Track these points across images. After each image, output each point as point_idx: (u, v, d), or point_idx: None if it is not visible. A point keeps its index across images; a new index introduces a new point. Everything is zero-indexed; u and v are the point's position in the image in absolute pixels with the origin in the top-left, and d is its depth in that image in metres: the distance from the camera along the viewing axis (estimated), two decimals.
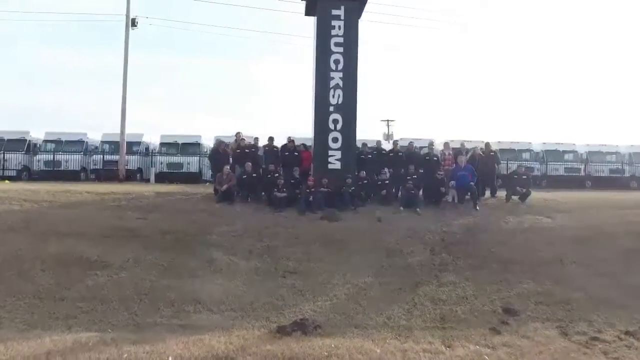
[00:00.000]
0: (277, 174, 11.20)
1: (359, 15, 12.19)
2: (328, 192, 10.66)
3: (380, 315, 6.14)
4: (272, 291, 6.77)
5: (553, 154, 24.51)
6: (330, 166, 11.24)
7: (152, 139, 23.83)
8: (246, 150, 11.62)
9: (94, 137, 23.43)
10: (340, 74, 11.37)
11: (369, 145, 12.38)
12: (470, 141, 24.69)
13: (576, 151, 24.96)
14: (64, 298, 6.03)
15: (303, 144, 12.25)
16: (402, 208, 10.53)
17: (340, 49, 11.40)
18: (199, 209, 9.92)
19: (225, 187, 10.57)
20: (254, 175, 11.00)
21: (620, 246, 8.61)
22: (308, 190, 10.56)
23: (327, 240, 8.75)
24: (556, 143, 25.86)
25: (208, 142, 24.03)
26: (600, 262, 8.06)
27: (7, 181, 15.30)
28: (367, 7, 12.44)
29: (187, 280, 6.86)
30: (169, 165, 21.40)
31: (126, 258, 7.33)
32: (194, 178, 21.17)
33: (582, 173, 23.73)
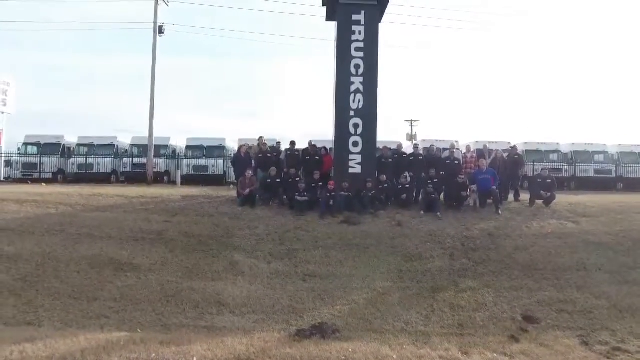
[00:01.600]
0: (298, 178, 11.41)
1: (380, 19, 12.26)
2: (348, 195, 10.78)
3: (398, 320, 6.23)
4: (292, 294, 6.96)
5: (582, 155, 23.80)
6: (350, 170, 11.36)
7: (179, 142, 24.53)
8: (268, 155, 11.87)
9: (124, 140, 24.35)
10: (361, 79, 11.47)
11: (389, 148, 12.40)
12: (496, 142, 24.43)
13: (607, 152, 24.18)
14: (97, 298, 6.38)
15: (324, 147, 12.40)
16: (422, 212, 10.54)
17: (361, 54, 11.50)
18: (222, 212, 10.21)
19: (247, 191, 10.84)
20: (277, 180, 11.24)
21: None
22: (328, 194, 10.72)
23: (347, 244, 8.88)
24: (586, 144, 25.09)
25: (232, 144, 24.58)
26: (625, 269, 7.90)
27: (43, 184, 16.08)
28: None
29: (211, 282, 7.13)
30: (195, 168, 21.99)
31: (154, 260, 7.68)
32: (219, 180, 21.72)
33: (613, 175, 22.99)
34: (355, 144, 11.41)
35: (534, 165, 22.90)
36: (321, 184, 11.35)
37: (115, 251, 7.80)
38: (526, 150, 23.92)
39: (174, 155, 23.41)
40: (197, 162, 22.06)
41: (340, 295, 6.94)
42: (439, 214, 10.41)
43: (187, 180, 21.51)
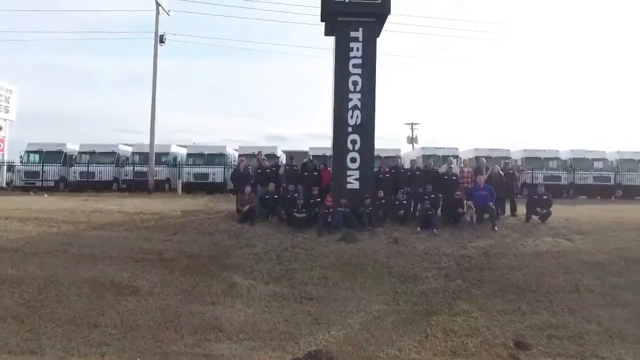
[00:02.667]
0: (296, 194, 11.55)
1: (378, 34, 12.39)
2: (346, 212, 10.91)
3: (392, 346, 6.36)
4: (288, 318, 7.09)
5: (581, 162, 23.88)
6: (348, 186, 11.51)
7: (180, 150, 24.73)
8: (267, 170, 12.02)
9: (127, 139, 24.59)
10: (359, 95, 11.61)
11: (388, 161, 12.52)
12: (495, 149, 24.57)
13: (606, 159, 24.25)
14: (98, 325, 6.53)
15: (323, 163, 12.54)
16: (419, 229, 10.68)
17: (359, 70, 11.64)
18: (222, 229, 10.36)
19: (247, 207, 11.00)
20: (275, 196, 11.39)
21: (639, 273, 8.52)
22: (327, 211, 10.86)
23: (343, 263, 9.01)
24: (585, 151, 25.17)
25: (233, 152, 24.76)
26: (617, 291, 8.00)
27: (45, 195, 16.26)
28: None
29: (209, 306, 7.27)
30: (196, 175, 22.18)
31: (153, 282, 7.83)
32: (220, 188, 21.92)
33: (612, 182, 23.05)
34: (353, 160, 11.55)
35: (533, 172, 23.09)
36: (319, 199, 11.49)
37: (116, 273, 7.95)
38: (525, 158, 24.06)
39: (174, 163, 23.59)
40: (198, 170, 22.24)
41: (335, 319, 7.08)
42: (435, 230, 10.54)
43: (188, 187, 21.73)
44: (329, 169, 12.25)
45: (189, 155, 23.24)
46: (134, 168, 22.24)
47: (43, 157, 22.79)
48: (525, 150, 24.63)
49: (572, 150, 25.34)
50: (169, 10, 21.58)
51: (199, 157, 23.06)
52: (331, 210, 10.90)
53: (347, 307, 7.46)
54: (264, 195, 11.42)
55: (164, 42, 21.29)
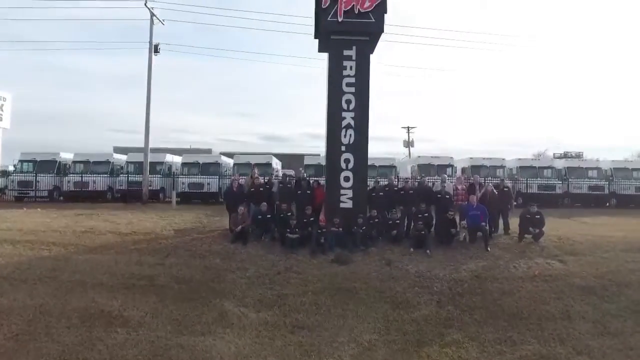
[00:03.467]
0: (290, 213, 11.53)
1: (372, 51, 12.37)
2: (339, 232, 10.90)
3: None
4: (279, 350, 7.06)
5: (576, 171, 23.99)
6: (342, 205, 11.49)
7: (175, 158, 24.66)
8: (260, 189, 11.98)
9: (120, 157, 24.46)
10: (352, 114, 11.59)
11: (378, 182, 12.51)
12: (491, 158, 24.62)
13: (600, 168, 24.39)
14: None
15: (317, 180, 12.51)
16: (412, 249, 10.68)
17: (352, 89, 11.62)
18: (214, 251, 10.33)
19: (239, 228, 10.96)
20: (268, 215, 11.35)
21: (630, 299, 8.54)
22: (320, 231, 10.85)
23: (336, 288, 9.00)
24: (579, 159, 25.34)
25: (227, 160, 24.70)
26: (608, 318, 8.02)
27: (39, 209, 16.16)
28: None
29: (200, 337, 7.22)
30: (190, 185, 22.13)
31: (144, 312, 7.78)
32: (214, 197, 21.90)
33: (606, 191, 23.15)
34: (347, 179, 11.54)
35: (527, 181, 23.16)
36: (313, 218, 11.47)
37: (106, 302, 7.90)
38: (520, 167, 24.16)
39: (169, 172, 23.53)
40: (193, 179, 22.18)
41: (326, 351, 7.05)
42: (428, 251, 10.54)
43: (183, 197, 21.68)
44: (322, 184, 12.23)
45: (183, 164, 23.19)
46: (128, 178, 22.18)
47: (37, 167, 22.71)
48: (519, 159, 24.74)
49: (567, 160, 25.51)
50: (163, 20, 21.50)
51: (193, 166, 23.02)
52: (324, 230, 10.89)
53: (339, 338, 7.43)
54: (257, 214, 11.38)
55: (158, 52, 21.22)
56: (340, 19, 11.34)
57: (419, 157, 24.40)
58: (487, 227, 11.28)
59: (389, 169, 23.28)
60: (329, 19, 11.39)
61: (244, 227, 11.00)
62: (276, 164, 26.01)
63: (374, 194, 11.89)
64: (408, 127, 52.90)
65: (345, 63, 11.61)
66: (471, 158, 24.53)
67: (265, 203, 11.42)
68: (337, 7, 11.33)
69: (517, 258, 10.33)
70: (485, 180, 21.83)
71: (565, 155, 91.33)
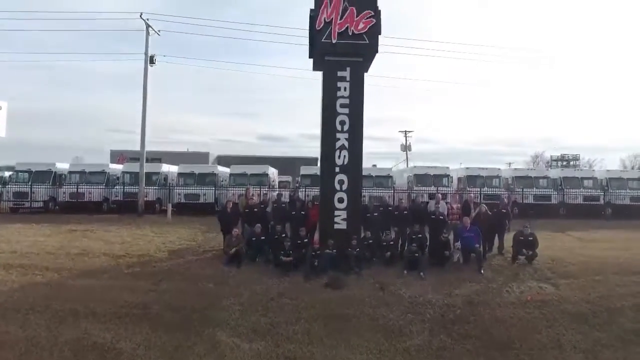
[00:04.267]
0: (284, 234, 11.54)
1: (367, 70, 12.40)
2: (333, 254, 10.92)
3: None
4: None
5: (571, 181, 24.09)
6: (336, 226, 11.50)
7: (171, 168, 24.64)
8: (255, 210, 11.99)
9: (116, 167, 24.43)
10: (346, 135, 11.60)
11: (373, 203, 12.52)
12: (486, 168, 24.70)
13: (595, 177, 24.50)
14: None
15: (311, 201, 12.51)
16: (405, 272, 10.71)
17: (346, 110, 11.63)
18: (208, 275, 10.33)
19: (233, 250, 10.98)
20: (262, 237, 11.37)
21: (622, 326, 8.57)
22: (313, 254, 10.86)
23: (329, 315, 9.00)
24: (575, 169, 25.45)
25: (223, 170, 24.68)
26: (599, 347, 8.04)
27: (33, 224, 16.13)
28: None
29: None
30: (187, 196, 22.13)
31: (136, 343, 7.75)
32: (210, 208, 21.91)
33: (602, 202, 23.26)
34: (341, 200, 11.55)
35: (523, 191, 23.24)
36: (306, 240, 11.49)
37: (99, 333, 7.88)
38: (515, 177, 24.26)
39: (165, 182, 23.52)
40: (189, 190, 22.18)
41: None
42: (422, 274, 10.58)
43: (179, 208, 21.70)
44: (316, 203, 12.24)
45: (179, 174, 23.19)
46: (123, 188, 22.16)
47: (32, 177, 22.66)
48: (515, 169, 24.87)
49: (562, 169, 25.63)
50: (159, 30, 21.46)
51: (189, 176, 23.02)
52: (318, 252, 10.91)
53: None
54: (251, 236, 11.40)
55: (154, 63, 21.19)
56: (334, 41, 11.35)
57: (415, 166, 24.49)
58: (481, 249, 11.33)
59: (385, 179, 23.37)
60: (322, 40, 11.41)
61: (238, 249, 11.01)
62: (272, 173, 26.03)
63: (368, 214, 11.91)
64: (405, 131, 53.09)
65: (339, 84, 11.62)
66: (467, 168, 24.62)
67: (259, 225, 11.43)
68: (331, 29, 11.34)
69: (510, 281, 10.38)
70: (480, 192, 22.01)
71: (562, 158, 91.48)
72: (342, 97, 11.61)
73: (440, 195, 12.72)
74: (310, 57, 12.53)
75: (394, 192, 22.72)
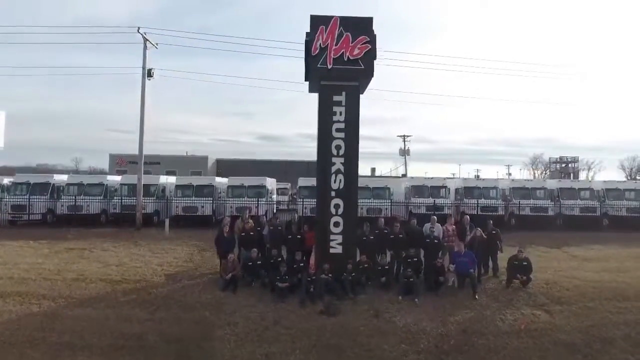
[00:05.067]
0: (279, 259, 11.59)
1: (363, 91, 12.47)
2: (328, 280, 10.96)
3: None
4: None
5: (568, 192, 24.14)
6: (332, 250, 11.57)
7: (169, 179, 24.68)
8: (251, 233, 12.04)
9: (114, 178, 24.47)
10: (342, 160, 11.66)
11: (368, 225, 12.55)
12: (484, 179, 24.77)
13: (592, 188, 24.54)
14: None
15: (307, 224, 12.56)
16: (400, 297, 10.77)
17: (342, 135, 11.69)
18: (204, 302, 10.39)
19: (229, 275, 11.04)
20: (258, 262, 11.43)
21: (614, 357, 8.67)
22: (309, 279, 10.93)
23: (324, 345, 9.07)
24: (571, 180, 25.52)
25: (221, 182, 24.71)
26: None
27: (30, 241, 16.15)
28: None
29: None
30: (185, 209, 22.16)
31: None
32: (208, 220, 21.98)
33: (598, 213, 23.30)
34: (337, 224, 11.62)
35: (519, 204, 23.30)
36: (302, 264, 11.56)
37: None
38: (513, 188, 24.31)
39: (163, 194, 23.56)
40: (187, 203, 22.21)
41: None
42: (416, 300, 10.63)
43: (177, 221, 21.75)
44: (312, 231, 12.27)
45: (177, 186, 23.19)
46: (121, 201, 22.20)
47: (30, 189, 22.67)
48: (513, 180, 24.96)
49: (559, 181, 25.68)
50: (156, 44, 21.48)
51: (187, 188, 23.03)
52: (314, 277, 10.98)
53: None
54: (247, 261, 11.45)
55: (152, 76, 21.21)
56: (329, 66, 11.41)
57: (412, 178, 24.54)
58: (476, 274, 11.40)
59: (383, 190, 23.42)
60: (318, 65, 11.46)
61: (234, 274, 11.07)
62: (270, 183, 26.07)
63: (364, 238, 11.96)
64: (404, 136, 53.15)
65: (335, 109, 11.67)
66: (464, 179, 24.73)
67: (255, 249, 11.49)
68: (327, 55, 11.40)
69: (504, 308, 10.43)
70: (477, 204, 22.07)
71: (560, 160, 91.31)
72: (338, 121, 11.67)
73: (435, 217, 12.77)
74: (306, 80, 12.54)
75: (391, 205, 22.86)
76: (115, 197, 22.82)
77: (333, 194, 11.62)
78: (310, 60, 11.51)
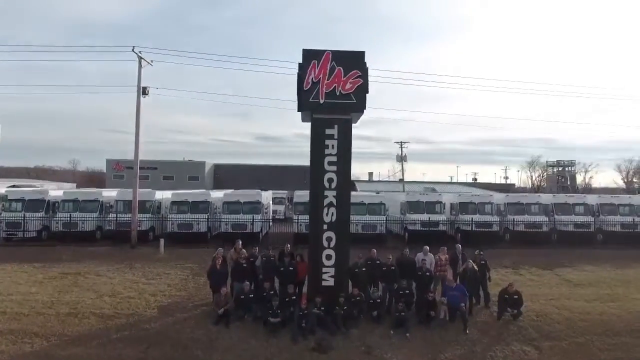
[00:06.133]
0: (272, 291, 11.64)
1: (355, 121, 12.50)
2: (320, 314, 11.02)
3: None
4: None
5: (562, 207, 24.29)
6: (324, 283, 11.63)
7: (165, 195, 24.70)
8: (244, 265, 12.09)
9: (109, 194, 24.47)
10: (334, 192, 11.70)
11: (361, 256, 12.60)
12: (479, 195, 24.87)
13: (586, 203, 24.68)
14: None
15: (300, 255, 12.60)
16: (392, 332, 10.84)
17: (334, 168, 11.73)
18: (197, 337, 10.42)
19: (222, 310, 11.09)
20: (250, 295, 11.48)
21: None
22: (301, 313, 10.98)
23: None
24: (566, 196, 25.62)
25: (217, 196, 24.73)
26: None
27: (25, 265, 16.17)
28: None
29: None
30: (180, 225, 22.21)
31: None
32: (203, 237, 22.06)
33: (592, 229, 23.45)
34: (329, 257, 11.67)
35: (514, 220, 23.42)
36: (295, 297, 11.61)
37: None
38: (507, 203, 24.43)
39: (158, 210, 23.58)
40: (182, 220, 22.25)
41: None
42: (408, 334, 10.71)
43: (172, 237, 21.80)
44: (305, 259, 12.34)
45: (172, 203, 23.23)
46: (117, 218, 22.22)
47: (25, 206, 22.67)
48: (507, 195, 25.04)
49: (554, 196, 25.79)
50: (151, 61, 21.48)
51: (183, 204, 23.07)
52: (306, 312, 11.03)
53: None
54: (240, 294, 11.50)
55: (147, 94, 21.22)
56: (321, 101, 11.46)
57: (407, 193, 24.61)
58: (467, 306, 11.48)
59: (378, 206, 23.49)
60: (310, 99, 11.51)
61: (226, 309, 11.12)
62: (266, 197, 26.14)
63: (356, 270, 12.02)
64: (401, 142, 53.29)
65: (327, 142, 11.71)
66: (459, 195, 24.79)
67: (247, 283, 11.54)
68: (319, 89, 11.45)
69: (494, 343, 10.51)
70: (472, 221, 22.18)
71: (558, 164, 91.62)
72: (330, 154, 11.71)
73: (427, 247, 12.83)
74: (299, 110, 12.59)
75: (386, 222, 22.94)
76: (110, 213, 22.83)
77: (325, 227, 11.67)
78: (303, 94, 11.55)
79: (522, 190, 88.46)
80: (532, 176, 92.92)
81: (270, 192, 31.86)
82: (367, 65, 11.75)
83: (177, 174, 64.38)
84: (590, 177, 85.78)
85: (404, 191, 50.14)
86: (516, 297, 11.52)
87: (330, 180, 11.71)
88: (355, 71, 11.49)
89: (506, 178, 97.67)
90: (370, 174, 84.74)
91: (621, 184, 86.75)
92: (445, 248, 13.16)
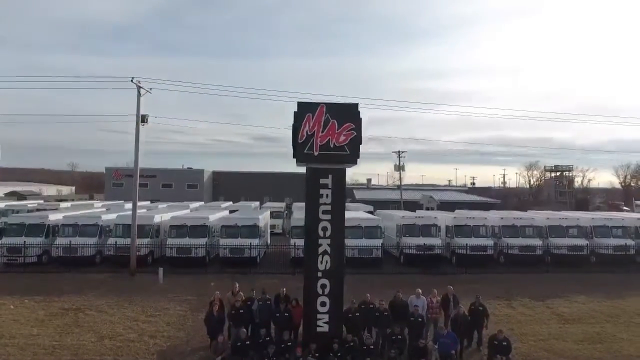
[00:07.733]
0: (268, 338, 11.92)
1: (350, 166, 12.75)
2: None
3: None
4: None
5: (556, 230, 24.61)
6: (318, 329, 11.91)
7: (163, 218, 24.98)
8: (241, 311, 12.37)
9: (108, 217, 24.75)
10: (329, 241, 11.96)
11: (354, 301, 12.87)
12: (474, 217, 25.11)
13: (580, 225, 25.00)
14: None
15: (295, 299, 12.89)
16: None
17: (329, 217, 11.98)
18: None
19: (219, 358, 11.37)
20: (247, 342, 11.76)
21: None
22: None
23: None
24: (560, 218, 25.92)
25: (215, 219, 25.00)
26: None
27: (25, 300, 16.45)
28: None
29: None
30: (179, 250, 22.50)
31: None
32: (201, 262, 22.38)
33: (586, 252, 23.77)
34: (323, 304, 11.95)
35: (508, 244, 23.74)
36: (290, 343, 11.89)
37: None
38: (502, 226, 24.73)
39: (157, 234, 23.87)
40: (180, 244, 22.52)
41: None
42: None
43: (171, 262, 22.11)
44: (300, 306, 12.60)
45: (171, 227, 23.51)
46: (116, 244, 22.51)
47: (26, 230, 22.95)
48: (502, 218, 25.32)
49: (548, 218, 26.09)
50: (150, 89, 21.71)
51: (181, 228, 23.35)
52: (301, 359, 11.31)
53: None
54: (237, 341, 11.77)
55: (146, 122, 21.46)
56: (316, 153, 11.72)
57: (403, 217, 24.90)
58: (458, 353, 11.77)
59: (375, 229, 23.79)
60: (305, 151, 11.77)
61: (223, 357, 11.40)
62: (263, 219, 26.45)
63: (350, 315, 12.31)
64: (399, 152, 53.57)
65: (322, 191, 11.96)
66: (454, 217, 25.08)
67: (244, 329, 11.82)
68: (314, 141, 11.71)
69: None
70: (467, 246, 22.46)
71: (556, 169, 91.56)
72: (325, 204, 11.98)
73: (420, 290, 13.12)
74: (293, 157, 12.86)
75: (382, 246, 23.23)
76: (110, 237, 23.13)
77: (320, 274, 11.94)
78: (298, 146, 11.81)
79: (521, 191, 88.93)
80: (530, 180, 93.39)
81: (267, 211, 32.13)
82: (361, 116, 12.05)
83: (176, 182, 64.67)
84: (589, 181, 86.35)
85: (401, 197, 50.66)
86: (505, 343, 11.78)
87: (324, 229, 11.97)
88: (349, 124, 11.75)
89: (504, 183, 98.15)
90: (369, 180, 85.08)
91: (619, 187, 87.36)
92: (436, 291, 13.45)
